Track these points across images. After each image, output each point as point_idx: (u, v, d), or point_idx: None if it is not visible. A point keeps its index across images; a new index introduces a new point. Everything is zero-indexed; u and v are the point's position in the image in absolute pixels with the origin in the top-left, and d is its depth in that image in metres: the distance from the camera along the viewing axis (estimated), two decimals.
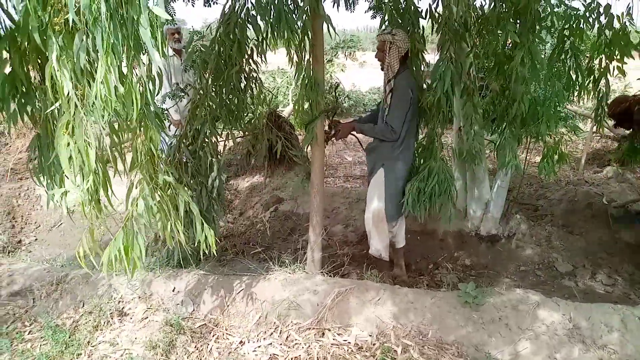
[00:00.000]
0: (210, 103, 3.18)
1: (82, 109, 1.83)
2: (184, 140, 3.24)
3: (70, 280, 3.14)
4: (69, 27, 1.74)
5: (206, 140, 3.24)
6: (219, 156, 3.38)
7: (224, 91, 3.19)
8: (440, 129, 3.29)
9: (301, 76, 2.92)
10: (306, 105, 3.08)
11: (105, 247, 2.15)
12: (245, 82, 3.25)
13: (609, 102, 3.58)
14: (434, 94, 3.05)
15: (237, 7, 2.99)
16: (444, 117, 3.21)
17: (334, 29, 2.85)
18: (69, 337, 2.69)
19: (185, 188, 2.99)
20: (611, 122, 3.66)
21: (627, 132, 3.88)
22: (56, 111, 1.96)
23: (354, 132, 3.42)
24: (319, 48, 3.01)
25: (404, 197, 3.33)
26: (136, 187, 2.22)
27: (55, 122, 2.10)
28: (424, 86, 3.51)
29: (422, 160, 3.55)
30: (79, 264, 2.85)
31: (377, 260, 3.63)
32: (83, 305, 2.96)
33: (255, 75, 3.27)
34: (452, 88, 3.05)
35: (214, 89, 3.19)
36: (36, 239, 4.98)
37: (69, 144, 1.87)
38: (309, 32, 2.86)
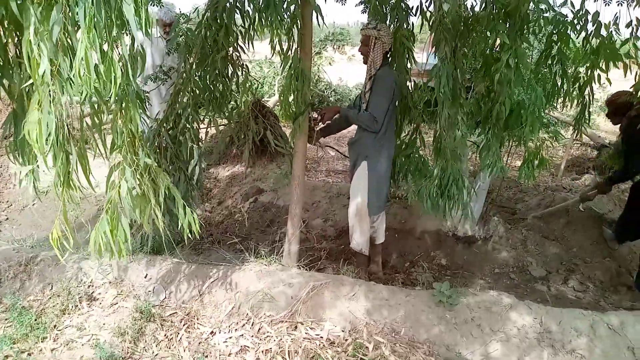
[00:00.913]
0: (194, 88, 3.11)
1: (55, 85, 1.76)
2: (165, 125, 3.17)
3: (39, 262, 3.06)
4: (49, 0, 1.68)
5: (187, 125, 3.18)
6: (200, 143, 3.32)
7: (208, 76, 3.13)
8: (446, 127, 3.27)
9: (287, 66, 2.88)
10: (291, 97, 3.03)
11: (77, 230, 2.09)
12: (231, 69, 3.19)
13: (591, 110, 3.61)
14: (434, 93, 3.05)
15: None
16: (448, 115, 3.19)
17: (323, 19, 2.82)
18: (35, 320, 2.62)
19: (164, 173, 2.94)
20: (593, 127, 3.69)
21: (609, 140, 3.92)
22: (30, 86, 1.90)
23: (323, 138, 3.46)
24: (308, 38, 2.96)
25: (387, 191, 3.37)
26: (116, 170, 2.16)
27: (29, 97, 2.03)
28: (411, 84, 3.50)
29: (403, 158, 3.56)
30: (49, 246, 2.78)
31: (355, 255, 3.62)
32: (51, 288, 2.89)
33: (241, 62, 3.21)
34: (449, 87, 3.04)
35: (198, 74, 3.12)
36: (7, 219, 4.85)
37: (38, 120, 1.80)
38: (298, 20, 2.82)
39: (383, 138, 3.29)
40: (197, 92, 3.13)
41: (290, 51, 2.88)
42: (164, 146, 3.13)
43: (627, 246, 3.98)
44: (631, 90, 3.44)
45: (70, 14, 1.69)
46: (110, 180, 2.18)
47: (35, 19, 1.67)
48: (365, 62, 3.29)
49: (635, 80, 3.16)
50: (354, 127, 3.61)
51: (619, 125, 3.61)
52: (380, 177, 3.37)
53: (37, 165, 2.11)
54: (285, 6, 2.78)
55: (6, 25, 2.01)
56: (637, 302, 3.38)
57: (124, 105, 2.02)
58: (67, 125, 1.89)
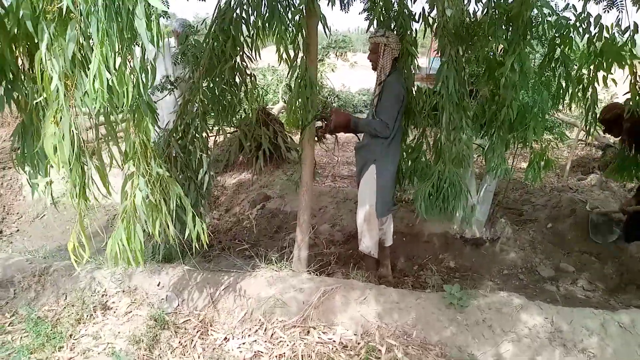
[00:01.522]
0: (202, 98, 3.16)
1: (70, 99, 1.81)
2: (174, 134, 3.22)
3: (52, 272, 3.10)
4: (62, 15, 1.73)
5: (196, 135, 3.23)
6: (208, 152, 3.37)
7: (216, 86, 3.18)
8: (447, 131, 3.31)
9: (295, 74, 2.92)
10: (297, 104, 3.07)
11: (91, 241, 2.13)
12: (239, 78, 3.24)
13: (597, 110, 3.64)
14: (441, 97, 3.09)
15: (232, 3, 2.99)
16: (451, 119, 3.23)
17: (329, 29, 2.86)
18: (51, 330, 2.66)
19: (176, 182, 2.98)
20: (602, 128, 3.71)
21: (614, 139, 3.95)
22: (43, 100, 1.95)
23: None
24: (313, 46, 3.01)
25: (394, 195, 3.45)
26: (129, 179, 2.21)
27: (42, 110, 2.08)
28: (414, 89, 3.54)
29: (409, 162, 3.59)
30: (61, 256, 2.81)
31: (364, 259, 3.65)
32: (65, 298, 2.93)
33: (249, 71, 3.27)
34: (455, 89, 3.09)
35: (205, 84, 3.17)
36: (18, 230, 4.90)
37: (54, 134, 1.85)
38: (303, 30, 2.87)
39: (391, 143, 3.34)
40: (206, 101, 3.18)
41: (296, 60, 2.92)
42: (174, 155, 3.18)
43: (636, 245, 3.99)
44: (615, 102, 3.48)
45: (84, 29, 1.73)
46: (124, 190, 2.22)
47: (48, 35, 1.73)
48: (374, 69, 3.35)
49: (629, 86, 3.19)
50: None
51: (620, 137, 3.64)
52: (387, 180, 3.42)
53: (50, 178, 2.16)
54: (290, 16, 2.83)
55: (19, 41, 2.06)
56: None
57: (136, 116, 2.06)
58: (81, 138, 1.94)
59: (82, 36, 1.73)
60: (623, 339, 2.47)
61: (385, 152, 3.35)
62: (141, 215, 2.14)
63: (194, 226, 2.34)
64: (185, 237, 2.45)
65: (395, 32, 3.37)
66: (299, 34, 2.89)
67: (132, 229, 2.13)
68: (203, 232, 2.37)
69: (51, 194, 2.10)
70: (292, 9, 2.84)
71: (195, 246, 2.41)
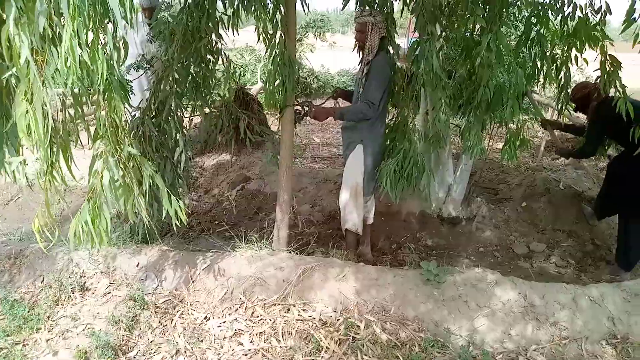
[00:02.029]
0: (176, 76, 3.11)
1: (41, 76, 1.76)
2: (148, 113, 3.16)
3: (29, 255, 3.06)
4: None
5: (171, 113, 3.18)
6: (184, 130, 3.32)
7: (191, 64, 3.13)
8: (413, 111, 3.34)
9: (274, 52, 2.89)
10: (276, 83, 3.04)
11: (64, 222, 2.10)
12: (213, 57, 3.19)
13: (569, 90, 3.71)
14: (417, 74, 3.09)
15: None
16: (417, 99, 3.26)
17: (308, 5, 2.84)
18: (28, 312, 2.63)
19: (150, 162, 2.94)
20: (573, 107, 3.79)
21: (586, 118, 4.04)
22: (13, 78, 1.89)
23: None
24: (292, 25, 2.98)
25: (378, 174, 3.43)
26: (99, 159, 2.16)
27: (11, 88, 2.02)
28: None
29: (387, 141, 3.61)
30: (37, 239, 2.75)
31: (346, 236, 3.71)
32: (43, 280, 2.90)
33: (223, 50, 3.21)
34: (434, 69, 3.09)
35: (179, 62, 3.11)
36: None
37: (27, 112, 1.81)
38: (281, 6, 2.83)
39: (377, 122, 3.38)
40: (180, 79, 3.12)
41: (275, 38, 2.89)
42: (149, 135, 3.13)
43: (606, 222, 4.11)
44: (587, 81, 3.56)
45: (54, 3, 1.68)
46: (93, 170, 2.18)
47: (15, 9, 1.67)
48: (361, 49, 3.34)
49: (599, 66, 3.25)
50: None
51: (590, 109, 3.72)
52: (375, 159, 3.46)
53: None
54: None
55: None
56: (616, 276, 3.50)
57: (107, 95, 2.02)
58: (51, 116, 1.89)
59: (53, 10, 1.68)
60: (593, 312, 2.57)
61: (371, 132, 3.38)
62: (108, 196, 2.11)
63: (171, 205, 2.32)
64: (164, 217, 2.43)
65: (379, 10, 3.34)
66: (277, 11, 2.86)
67: (99, 210, 2.10)
68: (181, 211, 2.35)
69: (25, 174, 2.05)
70: None
71: (175, 226, 2.39)
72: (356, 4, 3.44)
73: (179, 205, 2.34)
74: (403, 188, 3.31)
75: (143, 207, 2.29)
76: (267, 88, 3.10)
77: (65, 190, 2.11)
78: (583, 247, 3.97)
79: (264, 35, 2.86)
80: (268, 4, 2.83)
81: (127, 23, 1.81)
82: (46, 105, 1.78)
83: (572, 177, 4.95)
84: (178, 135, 3.22)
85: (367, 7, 3.25)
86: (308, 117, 3.40)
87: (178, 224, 2.37)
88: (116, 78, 1.98)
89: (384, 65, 3.24)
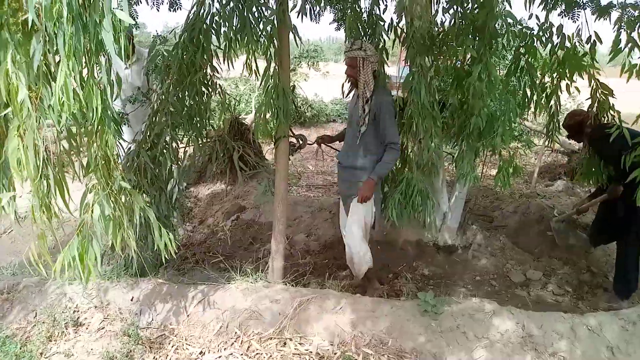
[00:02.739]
0: (171, 109, 3.13)
1: (35, 112, 1.78)
2: (144, 145, 3.18)
3: (21, 289, 3.01)
4: (27, 27, 1.70)
5: (166, 145, 3.19)
6: (179, 162, 3.33)
7: (186, 97, 3.16)
8: (413, 141, 3.38)
9: (267, 84, 2.93)
10: (268, 115, 3.07)
11: (57, 255, 2.08)
12: (207, 90, 3.22)
13: (559, 118, 3.76)
14: (410, 107, 3.14)
15: (202, 13, 2.98)
16: (416, 128, 3.29)
17: (300, 39, 2.89)
18: (20, 349, 2.57)
19: (144, 195, 2.94)
20: (565, 134, 3.82)
21: (579, 145, 4.07)
22: (11, 113, 1.90)
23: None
24: (285, 57, 3.03)
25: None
26: (90, 192, 2.16)
27: (7, 124, 2.03)
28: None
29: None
30: (31, 272, 2.73)
31: (366, 278, 3.52)
32: (36, 315, 2.85)
33: (218, 82, 3.25)
34: (420, 99, 3.14)
35: (175, 94, 3.15)
36: None
37: (18, 148, 1.82)
38: (274, 40, 2.88)
39: (381, 157, 3.27)
40: (175, 112, 3.15)
41: (268, 70, 2.93)
42: (144, 167, 3.13)
43: (602, 249, 4.11)
44: (580, 109, 3.60)
45: (49, 41, 1.71)
46: (83, 203, 2.18)
47: (13, 48, 1.69)
48: (354, 85, 3.24)
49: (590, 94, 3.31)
50: None
51: (585, 136, 3.74)
52: (380, 194, 3.45)
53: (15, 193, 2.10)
54: (261, 27, 2.85)
55: None
56: (614, 303, 3.48)
57: (99, 128, 2.03)
58: (45, 151, 1.90)
59: (48, 48, 1.71)
60: (592, 341, 2.55)
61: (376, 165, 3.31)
62: (98, 230, 2.10)
63: (161, 238, 2.31)
64: (154, 250, 2.41)
65: (370, 42, 3.39)
66: (271, 45, 2.90)
67: (88, 244, 2.09)
68: (170, 243, 2.33)
69: (14, 210, 2.04)
70: (264, 20, 2.85)
71: (169, 259, 2.38)
72: (346, 34, 3.51)
73: (169, 238, 2.33)
74: (409, 217, 3.32)
75: (132, 240, 2.27)
76: (258, 119, 3.12)
77: (58, 222, 2.09)
78: (579, 275, 3.96)
79: (250, 67, 2.94)
80: (262, 37, 2.88)
81: (122, 59, 1.85)
82: (38, 141, 1.79)
83: (566, 203, 4.97)
84: (173, 167, 3.23)
85: (357, 41, 3.15)
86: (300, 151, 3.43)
87: (167, 257, 2.36)
88: (109, 112, 2.00)
89: (392, 102, 3.19)
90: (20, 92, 1.70)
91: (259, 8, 2.87)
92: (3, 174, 2.17)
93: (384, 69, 3.49)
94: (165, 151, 3.19)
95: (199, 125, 3.28)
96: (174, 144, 3.25)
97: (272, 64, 2.95)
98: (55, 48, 1.69)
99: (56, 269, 2.06)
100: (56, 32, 1.64)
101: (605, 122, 3.56)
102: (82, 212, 2.14)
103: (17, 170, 1.84)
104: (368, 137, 3.23)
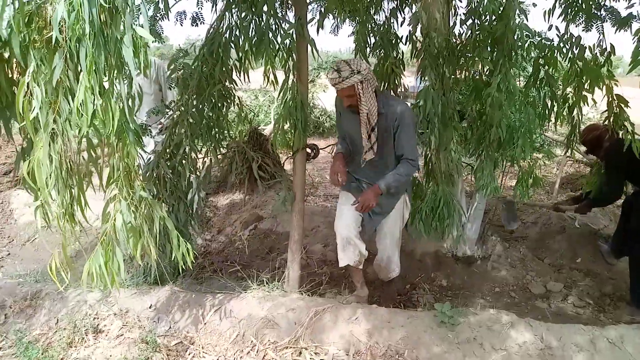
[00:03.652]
0: (191, 120, 3.20)
1: (57, 124, 1.85)
2: (163, 156, 3.25)
3: (44, 296, 3.09)
4: (51, 44, 1.77)
5: (185, 156, 3.26)
6: (197, 172, 3.39)
7: (205, 108, 3.22)
8: (436, 150, 3.38)
9: (286, 96, 2.97)
10: (287, 126, 3.12)
11: (77, 263, 2.14)
12: (227, 100, 3.28)
13: (581, 129, 3.71)
14: (427, 118, 3.15)
15: (222, 27, 3.05)
16: (441, 140, 3.30)
17: (318, 52, 2.93)
18: (42, 354, 2.64)
19: (163, 204, 2.99)
20: (583, 149, 3.78)
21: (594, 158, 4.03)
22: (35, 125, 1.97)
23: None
24: (304, 69, 3.08)
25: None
26: (112, 202, 2.22)
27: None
28: None
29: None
30: (53, 280, 2.78)
31: (393, 284, 3.53)
32: (57, 322, 2.91)
33: (235, 94, 3.32)
34: (438, 110, 3.15)
35: (194, 106, 3.21)
36: (9, 254, 4.87)
37: (38, 161, 1.88)
38: (293, 53, 2.93)
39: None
40: (194, 123, 3.22)
41: (287, 82, 2.98)
42: (163, 177, 3.20)
43: (625, 260, 4.02)
44: (596, 123, 3.56)
45: (70, 56, 1.77)
46: (105, 213, 2.24)
47: (34, 62, 1.77)
48: (358, 110, 2.81)
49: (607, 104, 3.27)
50: None
51: (604, 151, 3.70)
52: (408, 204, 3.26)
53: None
54: (279, 40, 2.90)
55: (15, 68, 2.11)
56: (636, 316, 3.40)
57: (120, 141, 2.10)
58: (69, 161, 1.97)
59: (69, 63, 1.78)
60: (612, 354, 2.49)
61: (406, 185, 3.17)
62: (121, 239, 2.15)
63: (179, 248, 2.35)
64: (172, 259, 2.46)
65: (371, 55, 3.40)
66: (290, 58, 2.95)
67: (111, 252, 2.14)
68: (188, 253, 2.38)
69: (46, 217, 2.10)
70: (282, 33, 2.90)
71: (187, 267, 2.42)
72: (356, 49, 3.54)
73: (187, 248, 2.38)
74: (436, 230, 3.32)
75: (153, 249, 2.32)
76: (277, 129, 3.17)
77: (80, 231, 2.16)
78: (601, 287, 3.88)
79: (268, 78, 3.00)
80: (280, 50, 2.93)
81: (141, 73, 1.90)
82: (56, 154, 1.86)
83: (588, 215, 4.88)
84: (191, 177, 3.28)
85: (344, 65, 2.69)
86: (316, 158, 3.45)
87: (184, 267, 2.41)
88: (130, 125, 2.06)
89: (411, 111, 2.91)
90: (34, 107, 1.77)
91: (277, 21, 2.92)
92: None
93: (398, 79, 3.51)
94: (184, 161, 3.26)
95: (217, 136, 3.34)
96: (192, 155, 3.31)
97: (291, 77, 3.00)
98: (75, 63, 1.76)
99: (83, 278, 2.12)
100: (78, 48, 1.70)
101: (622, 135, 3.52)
102: (104, 222, 2.20)
103: (42, 182, 1.90)
104: (386, 156, 2.99)
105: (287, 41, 2.91)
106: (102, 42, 1.70)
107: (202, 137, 3.27)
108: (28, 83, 1.77)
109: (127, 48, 1.71)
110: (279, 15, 2.96)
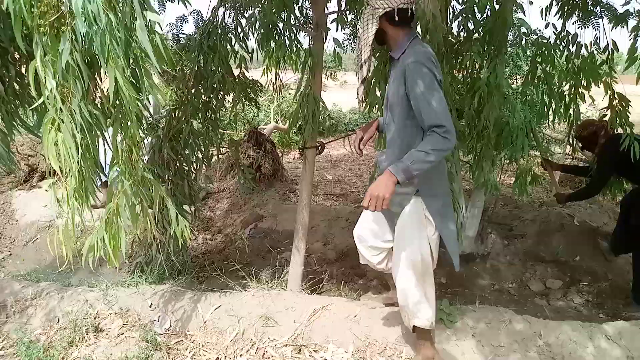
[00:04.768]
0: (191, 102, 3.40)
1: (67, 106, 1.91)
2: (163, 139, 3.44)
3: (45, 296, 3.10)
4: (54, 29, 1.81)
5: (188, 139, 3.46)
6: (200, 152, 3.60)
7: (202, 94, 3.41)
8: None
9: (301, 92, 3.11)
10: (299, 123, 3.22)
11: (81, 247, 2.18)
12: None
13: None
14: None
15: (217, 22, 3.20)
16: None
17: (343, 48, 3.06)
18: (43, 353, 2.65)
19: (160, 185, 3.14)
20: (579, 145, 3.79)
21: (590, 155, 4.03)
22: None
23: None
24: (319, 69, 3.16)
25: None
26: (115, 182, 2.27)
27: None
28: None
29: None
30: (55, 279, 2.80)
31: (419, 337, 2.42)
32: (58, 321, 2.93)
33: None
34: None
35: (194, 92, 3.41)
36: (10, 254, 4.89)
37: (56, 140, 1.94)
38: (312, 55, 3.06)
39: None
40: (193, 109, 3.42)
41: (303, 79, 3.11)
42: (166, 159, 3.38)
43: (624, 258, 4.04)
44: (592, 118, 3.57)
45: (75, 42, 1.81)
46: (110, 192, 2.29)
47: (41, 47, 1.82)
48: (390, 47, 2.23)
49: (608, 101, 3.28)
50: None
51: (599, 147, 3.71)
52: (444, 212, 2.32)
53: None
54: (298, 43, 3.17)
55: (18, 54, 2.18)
56: (635, 313, 3.42)
57: (122, 122, 2.13)
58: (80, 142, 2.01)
59: (76, 47, 1.81)
60: (610, 350, 2.51)
61: (432, 172, 2.16)
62: (124, 216, 2.20)
63: (177, 223, 2.41)
64: (171, 234, 2.52)
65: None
66: (309, 58, 3.06)
67: (116, 230, 2.18)
68: (186, 229, 2.46)
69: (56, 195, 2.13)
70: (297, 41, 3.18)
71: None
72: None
73: (185, 225, 2.46)
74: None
75: (153, 227, 2.42)
76: (290, 124, 3.31)
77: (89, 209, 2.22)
78: (601, 284, 3.90)
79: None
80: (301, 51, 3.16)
81: (161, 66, 1.94)
82: (72, 133, 1.90)
83: (587, 212, 4.90)
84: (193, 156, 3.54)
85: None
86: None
87: (182, 244, 2.46)
88: (137, 108, 2.10)
89: (425, 62, 2.02)
90: (49, 84, 1.83)
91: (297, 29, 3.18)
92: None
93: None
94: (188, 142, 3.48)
95: (214, 118, 3.52)
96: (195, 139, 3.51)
97: (308, 74, 3.11)
98: (81, 47, 1.83)
99: (85, 249, 2.16)
100: (91, 33, 1.74)
101: (619, 132, 3.53)
102: (109, 201, 2.25)
103: (56, 161, 1.97)
104: (400, 128, 2.20)
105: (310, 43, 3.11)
106: (117, 29, 1.75)
107: (200, 118, 3.47)
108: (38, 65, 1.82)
109: (142, 32, 1.75)
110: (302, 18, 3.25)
